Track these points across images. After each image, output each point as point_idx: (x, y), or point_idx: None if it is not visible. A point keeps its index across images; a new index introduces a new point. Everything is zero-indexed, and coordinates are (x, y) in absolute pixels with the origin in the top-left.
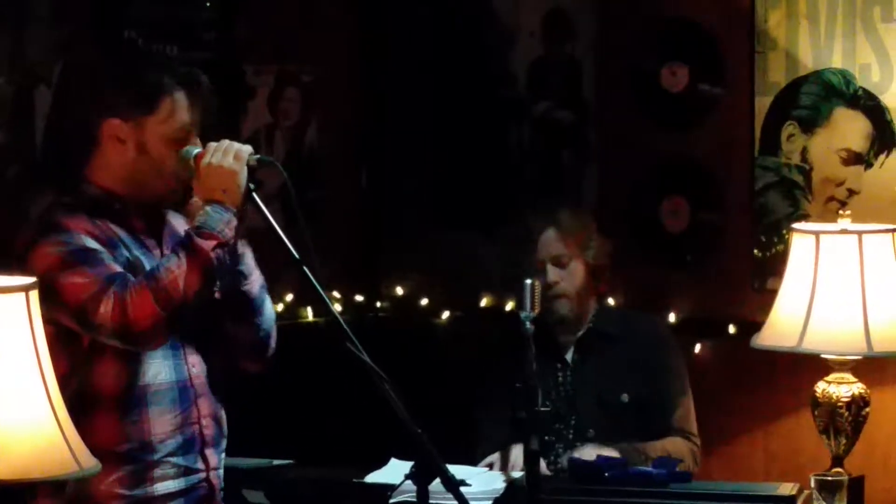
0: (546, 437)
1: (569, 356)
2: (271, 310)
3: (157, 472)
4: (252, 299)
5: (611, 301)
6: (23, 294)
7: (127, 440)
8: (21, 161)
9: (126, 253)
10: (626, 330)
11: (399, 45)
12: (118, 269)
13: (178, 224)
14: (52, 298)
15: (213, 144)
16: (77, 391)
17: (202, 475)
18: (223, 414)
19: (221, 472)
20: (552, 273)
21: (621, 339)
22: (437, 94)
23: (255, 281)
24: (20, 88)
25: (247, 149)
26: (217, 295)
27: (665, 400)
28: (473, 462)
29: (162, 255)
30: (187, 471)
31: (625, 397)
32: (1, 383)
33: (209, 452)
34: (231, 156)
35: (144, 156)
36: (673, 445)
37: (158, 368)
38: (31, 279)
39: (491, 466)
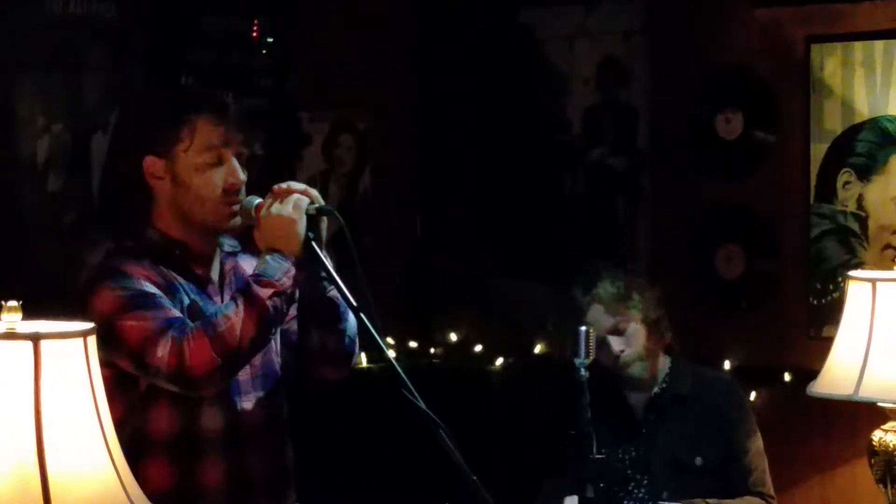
0: (619, 495)
1: (640, 416)
2: (353, 317)
3: None
4: (337, 305)
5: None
6: (81, 339)
7: (177, 486)
8: (78, 207)
9: (186, 299)
10: (700, 390)
11: (453, 92)
12: (177, 313)
13: (250, 268)
14: (110, 341)
15: (276, 187)
16: (131, 435)
17: None
18: (288, 462)
19: None
20: (615, 343)
21: (694, 401)
22: (492, 140)
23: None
24: (77, 135)
25: (305, 199)
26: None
27: (741, 463)
28: None
29: (223, 300)
30: None
31: (698, 460)
32: (58, 430)
33: (261, 502)
34: (290, 205)
35: (180, 187)
36: None
37: (212, 415)
38: (90, 325)
39: None
